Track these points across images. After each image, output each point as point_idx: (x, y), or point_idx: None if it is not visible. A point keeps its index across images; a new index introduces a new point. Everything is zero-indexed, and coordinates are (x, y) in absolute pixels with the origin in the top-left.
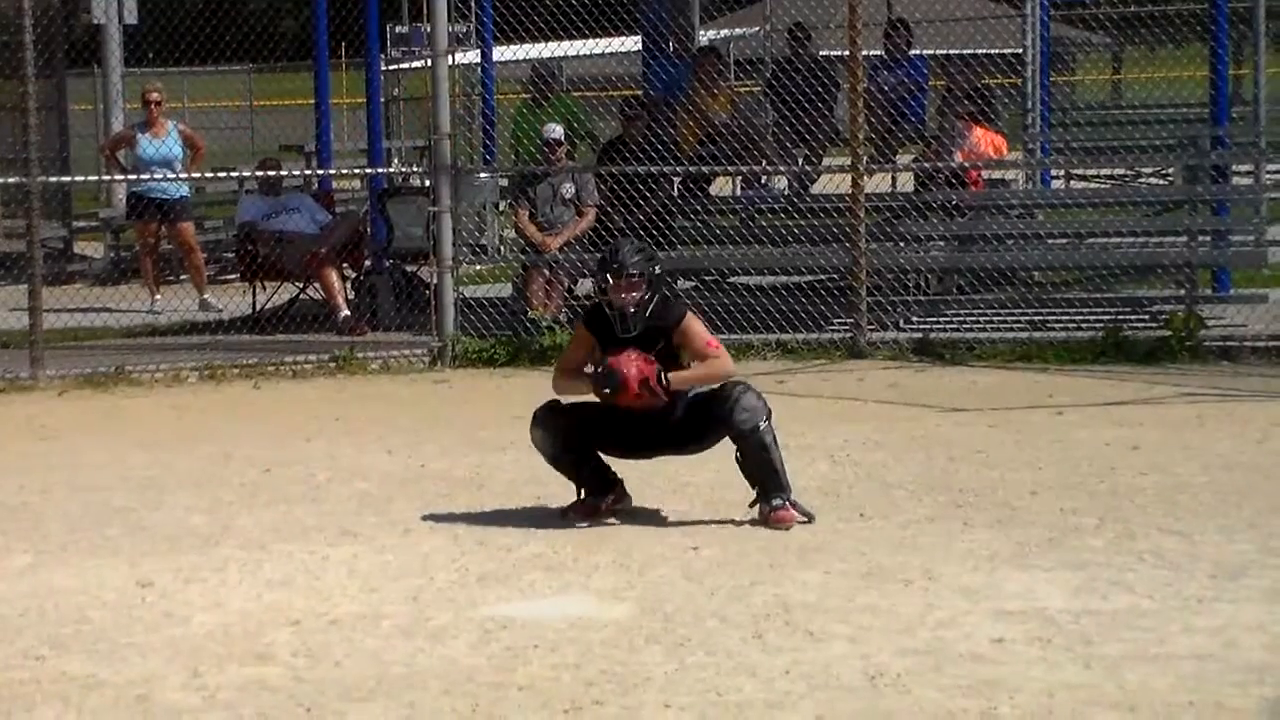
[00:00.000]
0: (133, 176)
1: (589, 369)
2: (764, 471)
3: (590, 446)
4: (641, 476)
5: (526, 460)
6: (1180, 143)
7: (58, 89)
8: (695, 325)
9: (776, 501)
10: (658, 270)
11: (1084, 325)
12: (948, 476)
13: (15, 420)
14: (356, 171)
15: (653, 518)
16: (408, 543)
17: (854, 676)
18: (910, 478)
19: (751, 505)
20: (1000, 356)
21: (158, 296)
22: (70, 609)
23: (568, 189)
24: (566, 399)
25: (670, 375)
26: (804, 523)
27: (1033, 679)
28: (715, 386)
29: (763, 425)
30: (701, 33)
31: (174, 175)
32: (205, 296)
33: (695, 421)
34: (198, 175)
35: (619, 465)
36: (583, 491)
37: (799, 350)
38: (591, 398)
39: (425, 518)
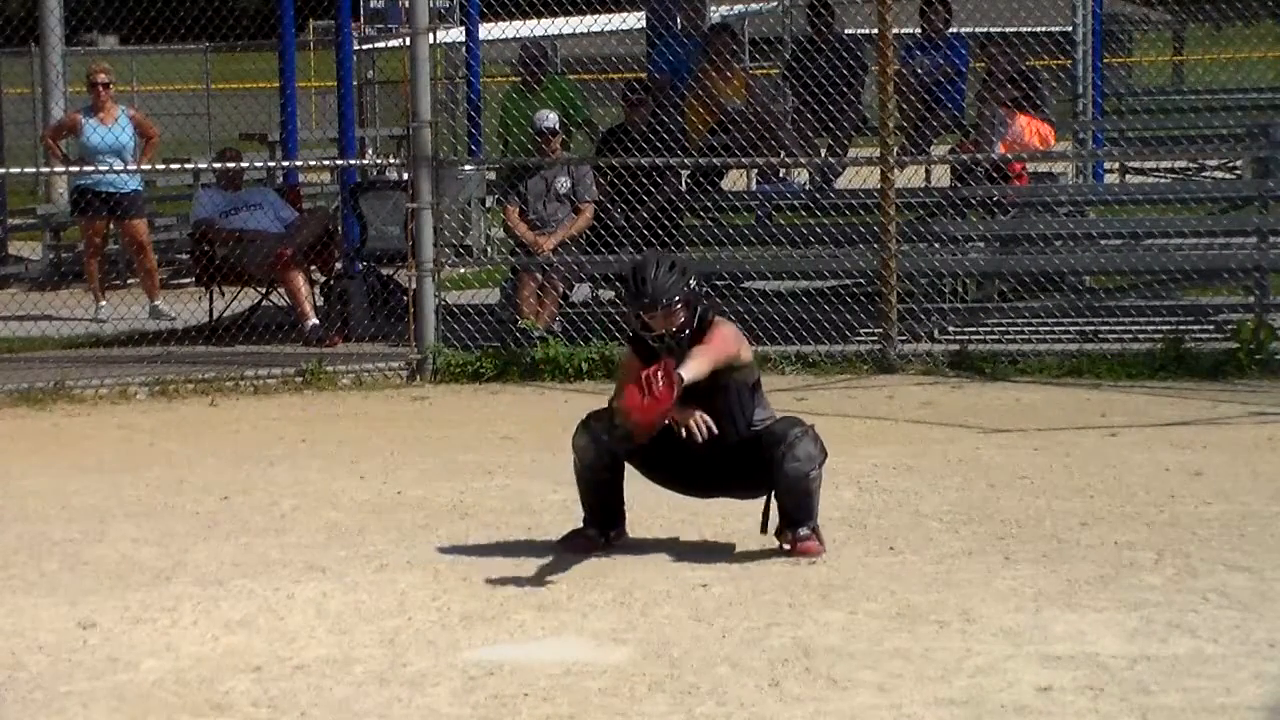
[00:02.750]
0: (76, 168)
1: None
2: (799, 508)
3: (622, 470)
4: (646, 504)
5: (515, 487)
6: (1249, 132)
7: None
8: (719, 329)
9: (803, 531)
10: (693, 283)
11: (1141, 336)
12: (988, 505)
13: None
14: (326, 163)
15: (657, 550)
16: (382, 579)
17: None
18: (946, 507)
19: (766, 531)
20: (1047, 371)
21: (103, 303)
22: (3, 654)
23: (562, 183)
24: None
25: (681, 371)
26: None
27: None
28: (772, 422)
29: (812, 474)
30: (713, 8)
31: (124, 166)
32: (157, 303)
33: (752, 460)
34: (149, 167)
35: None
36: (588, 520)
37: (822, 364)
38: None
39: (402, 551)
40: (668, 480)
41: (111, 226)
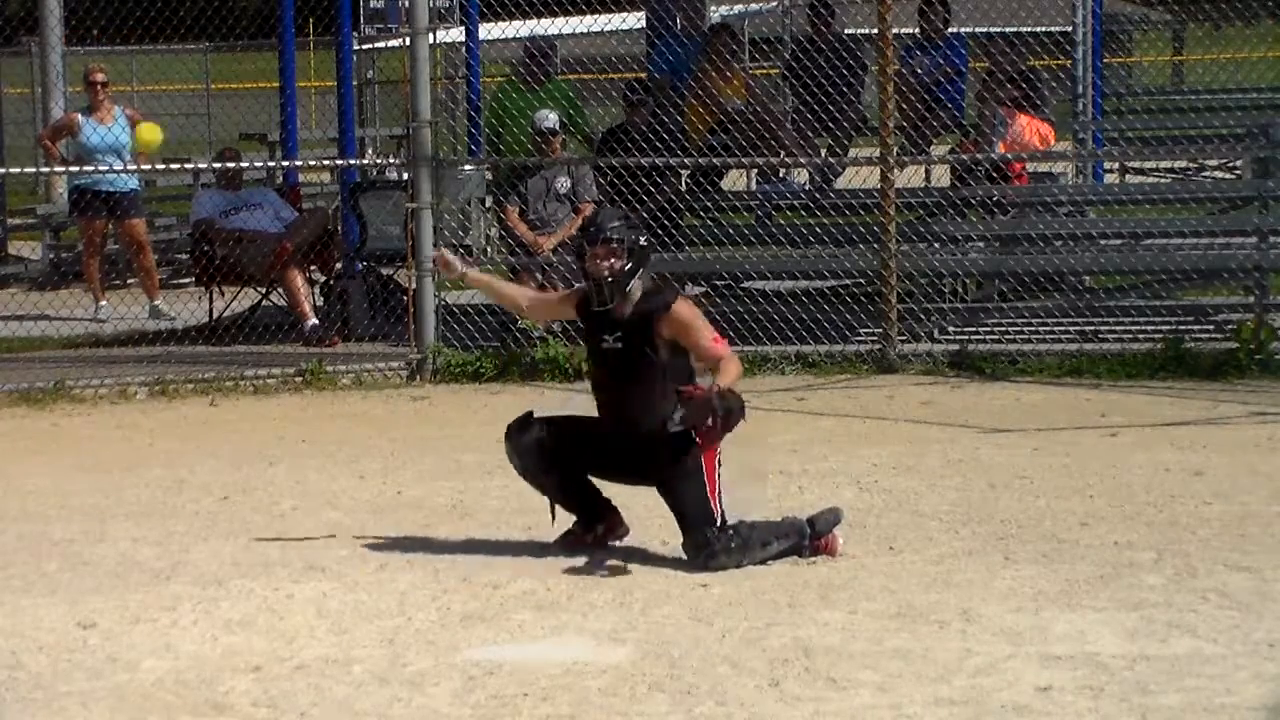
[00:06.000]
0: (74, 168)
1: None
2: (779, 557)
3: (572, 464)
4: (645, 505)
5: (515, 486)
6: (1249, 132)
7: None
8: (687, 312)
9: (805, 552)
10: (642, 241)
11: (1141, 336)
12: (988, 505)
13: None
14: (326, 163)
15: (657, 550)
16: (382, 579)
17: None
18: (946, 506)
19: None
20: (1047, 371)
21: (103, 303)
22: (2, 653)
23: (563, 183)
24: (541, 412)
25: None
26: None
27: None
28: (695, 497)
29: (744, 561)
30: (713, 8)
31: (122, 166)
32: (156, 303)
33: (667, 465)
34: (148, 167)
35: (618, 494)
36: (576, 521)
37: (821, 364)
38: (566, 410)
39: (402, 550)
40: (595, 466)
41: (110, 226)
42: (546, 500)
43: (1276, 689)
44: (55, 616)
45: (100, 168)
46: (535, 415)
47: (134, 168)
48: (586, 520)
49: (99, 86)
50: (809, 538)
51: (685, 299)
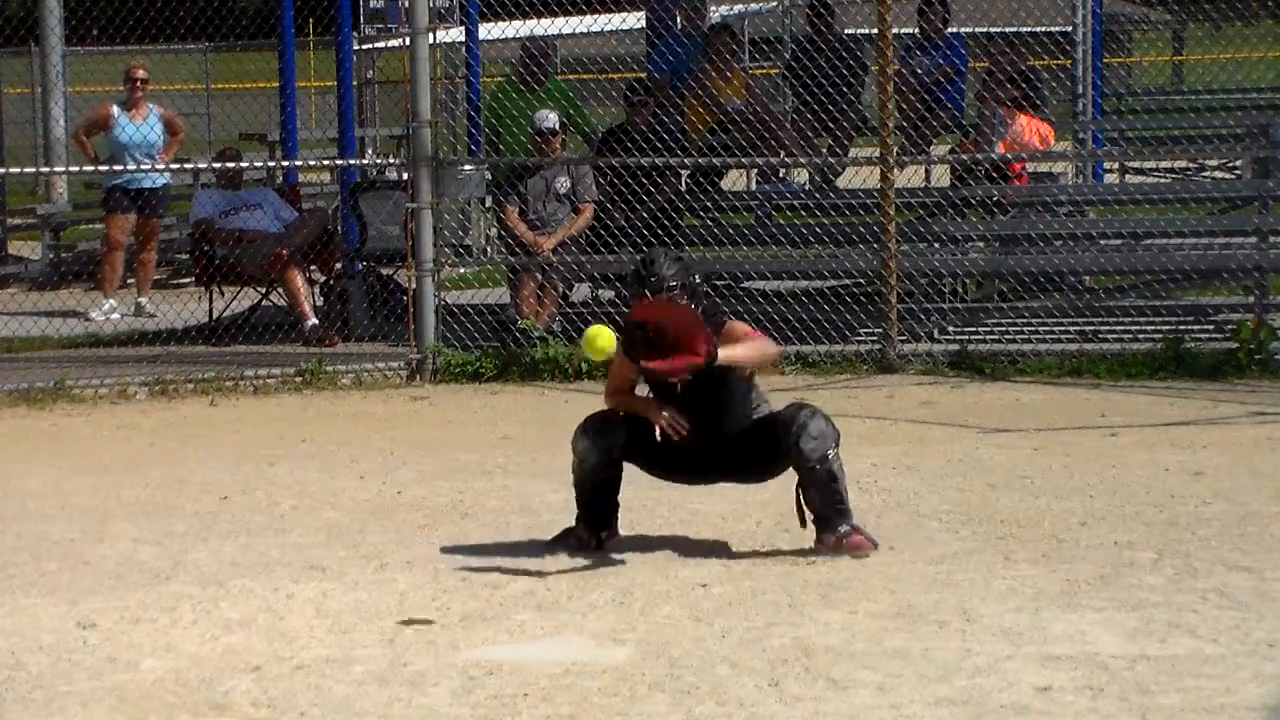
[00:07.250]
0: (76, 169)
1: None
2: (829, 502)
3: (621, 471)
4: (645, 504)
5: (515, 487)
6: (1249, 132)
7: None
8: (738, 325)
9: (844, 528)
10: (696, 278)
11: (1141, 336)
12: (988, 505)
13: None
14: (326, 163)
15: (657, 550)
16: (382, 579)
17: None
18: (946, 507)
19: (805, 525)
20: (1047, 371)
21: (110, 300)
22: (3, 654)
23: (562, 183)
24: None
25: (720, 349)
26: (875, 547)
27: None
28: (780, 409)
29: (831, 454)
30: (713, 8)
31: (153, 162)
32: (142, 300)
33: (757, 446)
34: (162, 167)
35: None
36: (581, 519)
37: (821, 364)
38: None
39: (402, 550)
40: (672, 474)
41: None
42: (581, 509)
43: (1276, 689)
44: (55, 616)
45: (130, 166)
46: (614, 416)
47: (161, 164)
48: (596, 525)
49: (137, 83)
50: (852, 519)
51: (734, 320)
